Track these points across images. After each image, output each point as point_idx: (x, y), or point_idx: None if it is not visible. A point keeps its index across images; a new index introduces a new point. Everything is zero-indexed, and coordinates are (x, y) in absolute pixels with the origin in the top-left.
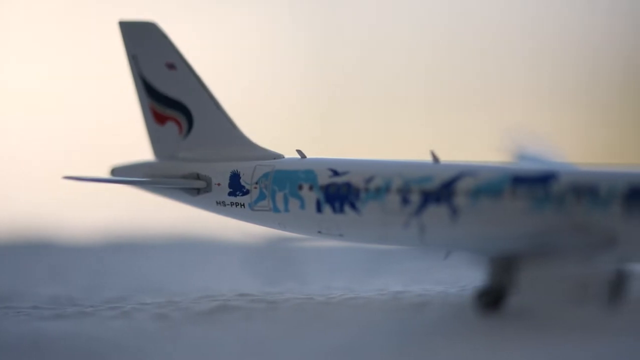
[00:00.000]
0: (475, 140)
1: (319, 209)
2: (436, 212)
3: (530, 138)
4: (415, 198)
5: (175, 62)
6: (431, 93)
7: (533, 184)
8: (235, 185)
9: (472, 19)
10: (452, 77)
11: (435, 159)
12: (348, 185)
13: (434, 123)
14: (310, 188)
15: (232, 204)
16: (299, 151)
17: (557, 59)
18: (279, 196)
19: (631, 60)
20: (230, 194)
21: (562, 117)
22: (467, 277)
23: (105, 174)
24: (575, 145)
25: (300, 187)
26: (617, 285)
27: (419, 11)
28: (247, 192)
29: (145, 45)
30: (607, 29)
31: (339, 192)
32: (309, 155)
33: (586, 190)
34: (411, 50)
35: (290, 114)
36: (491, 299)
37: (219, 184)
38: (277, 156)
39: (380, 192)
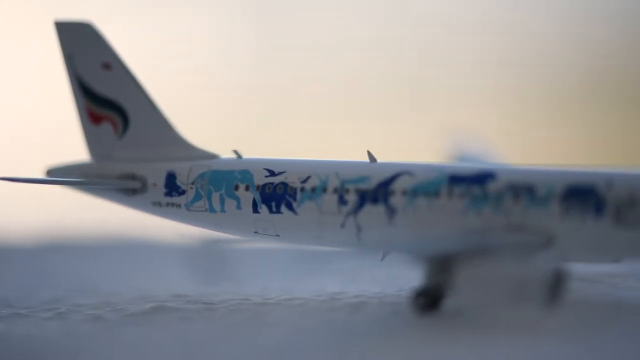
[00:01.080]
0: (413, 140)
1: (255, 209)
2: (373, 212)
3: (468, 138)
4: (351, 198)
5: (111, 62)
6: (370, 93)
7: (470, 184)
8: (171, 186)
9: (411, 18)
10: (391, 77)
11: (372, 158)
12: (284, 185)
13: (372, 122)
14: (247, 188)
15: (168, 204)
16: (235, 151)
17: (497, 59)
18: (215, 196)
19: (573, 60)
20: (166, 194)
21: (501, 117)
22: (404, 277)
23: (41, 175)
24: (514, 145)
25: (237, 188)
26: (555, 285)
27: (359, 12)
28: (183, 193)
29: (81, 45)
30: (548, 28)
31: (275, 192)
32: (246, 155)
33: (524, 190)
34: (351, 51)
35: (227, 114)
36: (428, 299)
37: (154, 185)
38: (214, 156)
39: (317, 192)
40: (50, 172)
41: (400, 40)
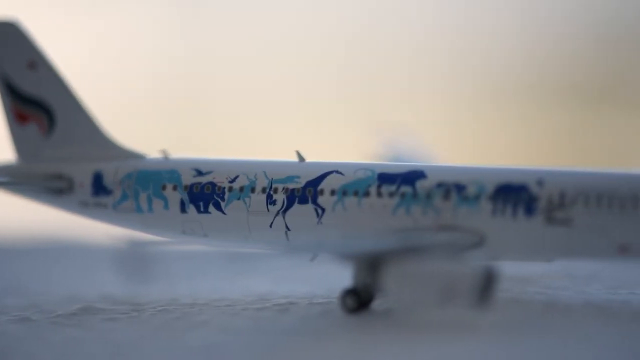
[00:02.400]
0: (343, 140)
1: (183, 209)
2: (302, 212)
3: (400, 137)
4: (280, 197)
5: (37, 61)
6: (299, 92)
7: (400, 183)
8: (98, 186)
9: (344, 15)
10: (321, 77)
11: (301, 158)
12: (212, 185)
13: (301, 122)
14: (174, 188)
15: (95, 204)
16: (163, 151)
17: (432, 56)
18: (143, 196)
19: (511, 59)
20: (93, 194)
21: (433, 116)
22: (334, 277)
23: None
24: (448, 144)
25: (164, 187)
26: (486, 285)
27: (291, 11)
28: (110, 193)
29: (6, 44)
30: (488, 27)
31: (203, 192)
32: (174, 155)
33: (454, 189)
34: (281, 50)
35: (155, 114)
36: (358, 299)
37: (81, 185)
38: (141, 156)
39: (245, 191)
40: None
41: (330, 38)
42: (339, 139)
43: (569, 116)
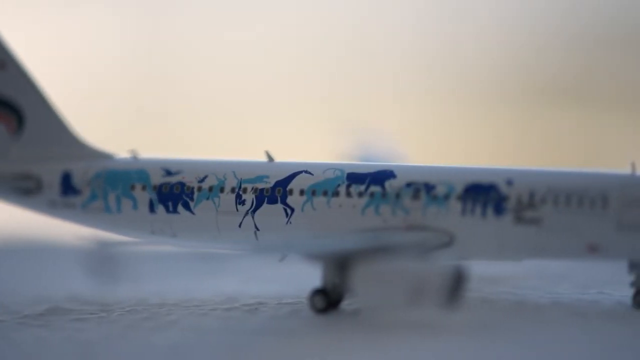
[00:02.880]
0: (312, 139)
1: (152, 209)
2: (271, 212)
3: (370, 137)
4: (249, 197)
5: (6, 61)
6: (268, 92)
7: (369, 183)
8: (67, 186)
9: (313, 14)
10: (290, 76)
11: (270, 158)
12: (181, 184)
13: (270, 122)
14: (143, 188)
15: (63, 204)
16: (132, 151)
17: (404, 57)
18: (112, 196)
19: (483, 60)
20: (62, 194)
21: (403, 115)
22: (303, 277)
23: None
24: (419, 145)
25: (133, 187)
26: (456, 285)
27: (259, 9)
28: (79, 193)
29: None
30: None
31: (172, 191)
32: (143, 155)
33: (423, 189)
34: (251, 49)
35: (124, 114)
36: (327, 299)
37: (50, 185)
38: (110, 156)
39: (214, 191)
40: None
41: (300, 38)
42: (309, 139)
43: (544, 116)
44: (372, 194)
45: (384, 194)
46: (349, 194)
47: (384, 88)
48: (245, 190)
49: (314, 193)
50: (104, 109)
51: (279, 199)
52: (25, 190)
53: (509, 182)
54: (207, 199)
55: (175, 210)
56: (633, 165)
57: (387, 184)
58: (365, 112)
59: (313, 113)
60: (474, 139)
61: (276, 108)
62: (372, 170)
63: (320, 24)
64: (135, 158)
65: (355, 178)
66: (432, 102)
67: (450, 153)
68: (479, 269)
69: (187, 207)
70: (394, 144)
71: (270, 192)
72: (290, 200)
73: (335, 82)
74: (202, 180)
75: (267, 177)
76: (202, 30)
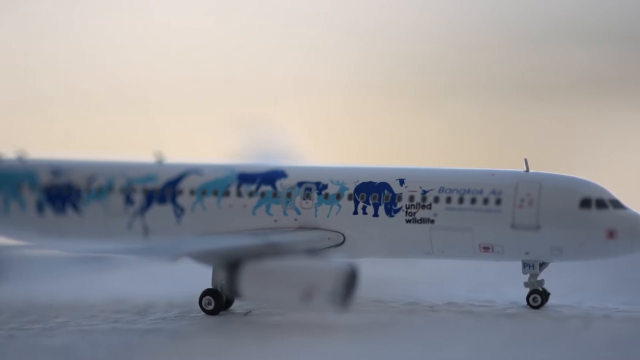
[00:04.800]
0: (204, 138)
1: (40, 210)
2: (161, 212)
3: (265, 134)
4: (138, 198)
5: None
6: (161, 91)
7: (260, 182)
8: None
9: (211, 9)
10: (182, 74)
11: (160, 158)
12: (69, 185)
13: (159, 123)
14: (31, 189)
15: None
16: (19, 151)
17: (302, 54)
18: None
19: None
20: None
21: (305, 114)
22: (194, 278)
23: None
24: (318, 143)
25: (21, 189)
26: (348, 284)
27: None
28: None
29: None
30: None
31: (60, 193)
32: (30, 155)
33: (315, 188)
34: (142, 46)
35: (9, 113)
36: (217, 299)
37: None
38: None
39: (103, 192)
40: None
41: (193, 32)
42: (201, 138)
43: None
44: (263, 194)
45: (275, 194)
46: (239, 194)
47: (284, 86)
48: (134, 191)
49: (204, 193)
50: None
51: (168, 199)
52: None
53: (401, 182)
54: (96, 199)
55: (63, 212)
56: (527, 163)
57: (278, 183)
58: (262, 110)
59: (206, 111)
60: (383, 138)
61: (168, 106)
62: (263, 170)
63: (216, 18)
64: (22, 159)
65: (245, 178)
66: (335, 101)
67: (356, 152)
68: (371, 269)
69: (75, 208)
70: (291, 143)
71: (160, 192)
72: (180, 200)
73: (230, 80)
74: (90, 181)
75: (157, 177)
76: (90, 21)
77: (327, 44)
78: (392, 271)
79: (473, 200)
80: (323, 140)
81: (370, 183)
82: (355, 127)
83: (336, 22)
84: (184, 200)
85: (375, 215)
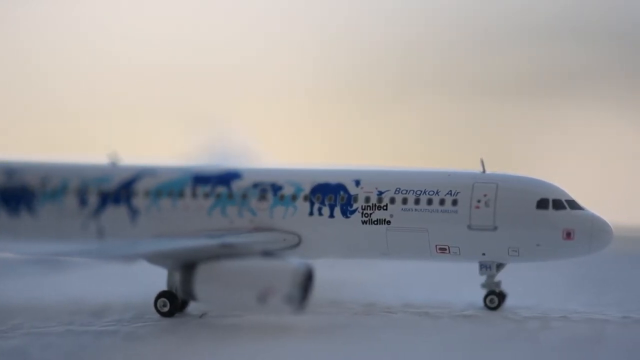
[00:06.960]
0: (159, 138)
1: None
2: (116, 214)
3: (221, 136)
4: (93, 199)
5: None
6: (115, 90)
7: (215, 184)
8: None
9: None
10: (140, 74)
11: (115, 159)
12: (23, 187)
13: (114, 124)
14: None
15: None
16: None
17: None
18: None
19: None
20: None
21: (266, 114)
22: (149, 279)
23: None
24: (277, 143)
25: None
26: (304, 285)
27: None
28: None
29: None
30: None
31: (14, 194)
32: None
33: (270, 189)
34: (98, 44)
35: None
36: (173, 301)
37: None
38: None
39: (57, 193)
40: None
41: (151, 33)
42: (156, 138)
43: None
44: (218, 195)
45: (230, 195)
46: (194, 195)
47: (240, 86)
48: (89, 192)
49: (159, 194)
50: None
51: (123, 200)
52: None
53: (357, 183)
54: (50, 201)
55: (17, 213)
56: (482, 163)
57: (234, 184)
58: (218, 111)
59: (162, 111)
60: (343, 138)
61: (123, 107)
62: (218, 171)
63: (171, 17)
64: None
65: (201, 179)
66: (293, 102)
67: (315, 153)
68: (327, 270)
69: (30, 209)
70: (247, 143)
71: (115, 193)
72: (135, 201)
73: (187, 80)
74: (45, 183)
75: (112, 178)
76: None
77: (287, 40)
78: (349, 273)
79: (429, 201)
80: (280, 140)
81: (326, 184)
82: (316, 127)
83: (296, 18)
84: (139, 201)
85: (331, 216)
